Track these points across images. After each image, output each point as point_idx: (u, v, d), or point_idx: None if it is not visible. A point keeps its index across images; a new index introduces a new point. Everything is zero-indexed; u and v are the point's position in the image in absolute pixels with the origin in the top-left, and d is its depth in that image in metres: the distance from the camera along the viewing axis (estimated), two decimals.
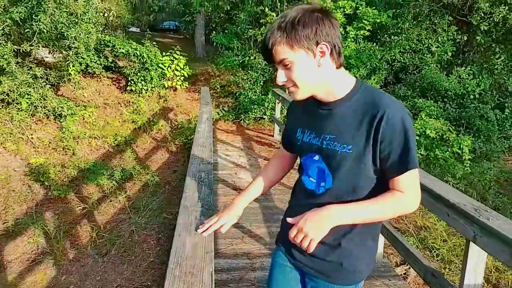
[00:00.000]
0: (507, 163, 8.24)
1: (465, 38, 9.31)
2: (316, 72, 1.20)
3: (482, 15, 8.61)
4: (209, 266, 1.32)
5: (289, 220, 1.30)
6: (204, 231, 1.53)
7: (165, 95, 9.70)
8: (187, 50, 16.28)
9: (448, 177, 6.28)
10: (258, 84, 9.31)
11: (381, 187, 1.25)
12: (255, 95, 9.14)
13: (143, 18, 29.68)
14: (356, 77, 1.31)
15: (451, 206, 2.10)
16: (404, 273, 3.72)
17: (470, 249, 1.96)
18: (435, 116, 7.34)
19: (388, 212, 1.24)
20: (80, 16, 6.87)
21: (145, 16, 29.40)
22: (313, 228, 1.18)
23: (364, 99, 1.22)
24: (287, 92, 1.29)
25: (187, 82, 10.32)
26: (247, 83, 9.32)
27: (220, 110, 9.59)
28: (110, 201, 6.12)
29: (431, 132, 5.86)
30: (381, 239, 3.15)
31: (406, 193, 1.21)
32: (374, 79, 8.90)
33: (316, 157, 1.30)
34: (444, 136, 6.05)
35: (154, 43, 10.25)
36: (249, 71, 9.34)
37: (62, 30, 6.68)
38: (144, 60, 9.31)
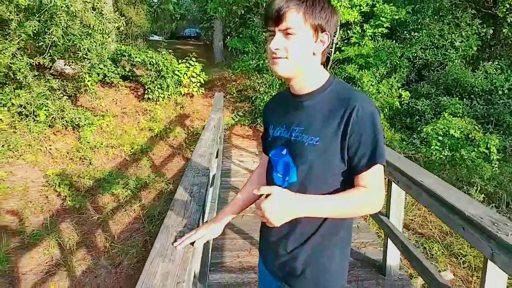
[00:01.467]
0: None
1: (491, 31, 8.83)
2: (308, 57, 1.19)
3: (508, 6, 8.15)
4: None
5: (255, 192, 1.13)
6: (180, 243, 1.46)
7: (182, 102, 9.69)
8: (205, 56, 16.37)
9: (475, 178, 5.91)
10: (274, 87, 9.14)
11: (347, 184, 1.20)
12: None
13: (165, 27, 30.15)
14: (330, 73, 1.29)
15: (466, 219, 1.87)
16: (423, 285, 3.46)
17: (488, 268, 1.73)
18: (460, 114, 6.96)
19: (356, 209, 1.17)
20: (93, 27, 6.91)
21: (167, 24, 29.86)
22: (274, 214, 1.08)
23: (336, 93, 1.21)
24: (270, 63, 1.21)
25: (203, 88, 10.28)
26: (262, 86, 9.17)
27: (235, 115, 9.48)
28: (125, 210, 6.10)
29: (455, 131, 5.53)
30: (397, 251, 2.93)
31: (372, 189, 1.17)
32: (395, 78, 8.56)
33: (284, 151, 1.26)
34: (470, 135, 5.69)
35: (171, 50, 10.28)
36: (264, 75, 9.19)
37: (75, 42, 6.74)
38: (160, 68, 9.33)
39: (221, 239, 3.53)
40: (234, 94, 10.61)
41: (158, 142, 8.23)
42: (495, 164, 5.56)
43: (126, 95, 9.55)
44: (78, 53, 6.93)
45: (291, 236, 1.27)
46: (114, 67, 9.42)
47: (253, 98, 9.57)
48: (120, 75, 9.48)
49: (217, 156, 4.46)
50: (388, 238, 2.92)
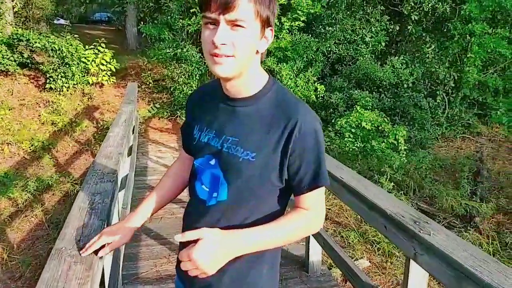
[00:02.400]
0: (441, 150, 8.51)
1: (397, 28, 9.45)
2: (252, 56, 1.02)
3: (413, 4, 8.77)
4: None
5: (177, 238, 0.95)
6: (85, 250, 1.27)
7: (90, 92, 8.89)
8: (118, 42, 15.31)
9: (385, 167, 6.28)
10: (194, 78, 8.80)
11: (282, 201, 1.10)
12: (191, 90, 8.63)
13: (72, 10, 27.83)
14: (269, 75, 1.11)
15: (388, 217, 1.84)
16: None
17: (410, 267, 1.72)
18: (370, 107, 7.34)
19: (296, 235, 1.09)
20: None
21: (74, 7, 27.59)
22: (206, 261, 0.93)
23: (276, 101, 1.06)
24: (209, 61, 0.98)
25: (115, 77, 9.55)
26: (181, 77, 8.77)
27: (152, 106, 8.98)
28: (25, 216, 5.42)
29: (366, 124, 5.79)
30: (318, 247, 2.91)
31: (313, 211, 1.09)
32: (311, 72, 8.77)
33: (213, 161, 1.08)
34: (380, 127, 6.01)
35: (77, 35, 9.37)
36: (182, 64, 8.80)
37: None
38: (64, 54, 8.44)
39: (136, 247, 3.22)
40: (150, 84, 10.02)
41: (63, 137, 7.45)
42: (403, 154, 5.94)
43: (24, 84, 8.50)
44: None
45: None
46: (10, 53, 8.32)
47: (171, 89, 9.13)
48: (17, 62, 8.40)
49: (130, 154, 4.10)
50: (311, 237, 2.88)
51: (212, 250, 0.93)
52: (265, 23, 0.99)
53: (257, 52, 1.03)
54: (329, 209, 5.52)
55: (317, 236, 2.74)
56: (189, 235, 0.94)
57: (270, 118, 1.03)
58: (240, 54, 0.96)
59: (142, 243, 3.29)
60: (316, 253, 2.95)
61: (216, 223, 1.05)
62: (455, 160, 8.51)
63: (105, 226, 1.55)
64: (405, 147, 5.95)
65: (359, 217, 5.46)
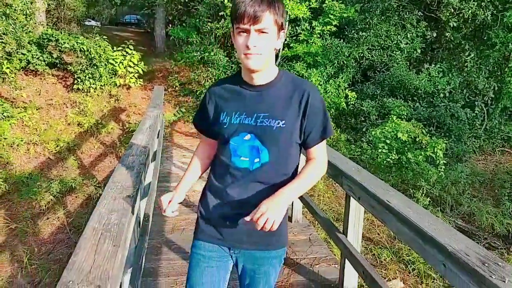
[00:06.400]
0: (478, 164, 8.01)
1: (434, 34, 9.00)
2: (272, 52, 1.39)
3: (452, 10, 8.32)
4: None
5: (247, 218, 1.29)
6: (165, 210, 1.52)
7: (116, 94, 8.84)
8: (146, 45, 15.37)
9: (421, 181, 5.90)
10: None
11: (298, 155, 1.49)
12: None
13: (103, 12, 28.39)
14: (277, 67, 1.49)
15: (449, 255, 1.55)
16: None
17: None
18: (405, 117, 6.96)
19: (315, 180, 1.47)
20: (11, 6, 5.96)
21: (105, 9, 28.13)
22: (275, 211, 1.26)
23: (289, 82, 1.44)
24: (242, 57, 1.34)
25: (142, 80, 9.49)
26: (207, 80, 8.62)
27: (178, 110, 8.85)
28: (47, 218, 5.34)
29: (403, 135, 5.43)
30: (355, 273, 2.62)
31: (320, 158, 1.48)
32: (342, 77, 8.45)
33: (248, 137, 1.40)
34: (417, 139, 5.64)
35: (105, 37, 9.37)
36: (209, 68, 8.65)
37: None
38: (92, 55, 8.43)
39: (156, 261, 3.01)
40: (176, 88, 9.92)
41: (88, 139, 7.40)
42: (441, 168, 5.55)
43: (53, 84, 8.53)
44: None
45: (249, 206, 1.34)
46: (40, 53, 8.36)
47: (197, 93, 8.99)
48: (47, 62, 8.43)
49: (154, 160, 3.92)
50: (346, 259, 2.60)
51: (273, 201, 1.28)
52: (280, 27, 1.35)
53: (275, 49, 1.39)
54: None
55: (354, 261, 2.46)
56: (257, 214, 1.24)
57: (287, 94, 1.41)
58: (265, 52, 1.33)
59: (163, 257, 3.08)
60: (351, 280, 2.67)
61: (262, 181, 1.41)
62: (494, 175, 7.99)
63: (118, 251, 1.36)
64: (444, 161, 5.55)
65: (391, 233, 5.13)
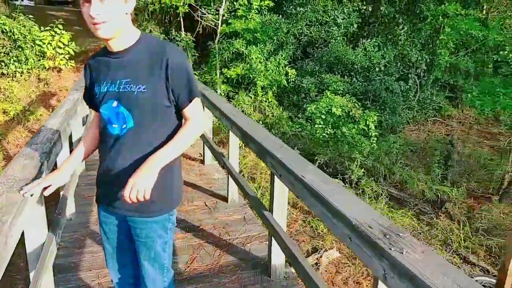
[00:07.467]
0: (412, 134, 8.41)
1: (370, 8, 9.18)
2: (123, 17, 1.37)
3: None
4: None
5: (125, 193, 1.32)
6: (26, 191, 1.57)
7: (46, 78, 8.25)
8: (82, 24, 14.41)
9: (355, 154, 6.09)
10: None
11: (176, 117, 1.50)
12: None
13: None
14: (140, 30, 1.49)
15: (353, 228, 1.56)
16: None
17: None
18: (341, 92, 7.09)
19: (190, 140, 1.49)
20: None
21: None
22: (143, 180, 1.31)
23: (150, 47, 1.44)
24: (91, 28, 1.34)
25: (73, 61, 8.91)
26: None
27: None
28: None
29: (336, 109, 5.55)
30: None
31: (195, 118, 1.49)
32: (282, 55, 8.43)
33: (115, 103, 1.43)
34: (351, 113, 5.78)
35: (31, 16, 8.64)
36: None
37: None
38: (16, 36, 7.76)
39: (77, 254, 2.86)
40: None
41: (15, 127, 6.87)
42: (373, 140, 5.75)
43: None
44: None
45: (127, 173, 1.39)
46: None
47: None
48: None
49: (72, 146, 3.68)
50: (273, 238, 2.61)
51: (140, 173, 1.32)
52: None
53: (126, 13, 1.38)
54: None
55: (279, 240, 2.47)
56: (127, 190, 1.30)
57: (149, 58, 1.41)
58: (112, 19, 1.32)
59: (86, 250, 2.92)
60: (278, 256, 2.68)
61: (131, 147, 1.44)
62: (426, 144, 8.44)
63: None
64: (376, 133, 5.75)
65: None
